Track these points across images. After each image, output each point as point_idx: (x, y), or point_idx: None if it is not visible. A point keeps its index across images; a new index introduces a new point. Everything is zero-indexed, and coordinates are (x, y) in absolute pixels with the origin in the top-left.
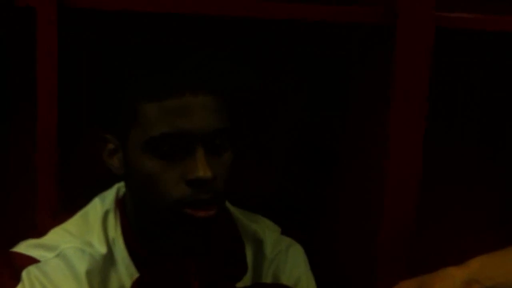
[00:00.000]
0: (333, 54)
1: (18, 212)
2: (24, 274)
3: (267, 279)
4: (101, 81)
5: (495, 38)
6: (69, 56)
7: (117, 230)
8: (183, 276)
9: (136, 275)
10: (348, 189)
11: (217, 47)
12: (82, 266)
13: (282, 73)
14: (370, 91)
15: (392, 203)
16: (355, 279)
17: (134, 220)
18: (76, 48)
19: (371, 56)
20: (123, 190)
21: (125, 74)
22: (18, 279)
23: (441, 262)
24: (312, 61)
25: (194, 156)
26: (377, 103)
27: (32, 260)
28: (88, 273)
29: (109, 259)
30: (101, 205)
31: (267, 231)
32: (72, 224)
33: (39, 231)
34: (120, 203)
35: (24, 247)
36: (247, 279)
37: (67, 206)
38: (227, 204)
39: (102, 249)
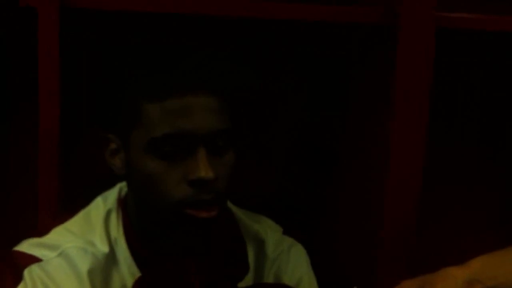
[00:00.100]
0: (333, 54)
1: (19, 212)
2: (26, 273)
3: (269, 279)
4: (102, 81)
5: (495, 38)
6: (70, 56)
7: (119, 230)
8: (183, 276)
9: (137, 274)
10: (348, 189)
11: (217, 47)
12: (84, 266)
13: (282, 73)
14: (370, 91)
15: (392, 203)
16: (355, 279)
17: (135, 220)
18: (77, 48)
19: (372, 56)
20: (125, 190)
21: (126, 75)
22: (20, 278)
23: (441, 262)
24: (312, 61)
25: (196, 157)
26: (377, 103)
27: (34, 259)
28: (90, 272)
29: (111, 258)
30: (103, 204)
31: (269, 231)
32: (74, 223)
33: (40, 231)
34: (122, 203)
35: (26, 246)
36: (248, 279)
37: (67, 206)
38: (229, 204)
39: (104, 249)
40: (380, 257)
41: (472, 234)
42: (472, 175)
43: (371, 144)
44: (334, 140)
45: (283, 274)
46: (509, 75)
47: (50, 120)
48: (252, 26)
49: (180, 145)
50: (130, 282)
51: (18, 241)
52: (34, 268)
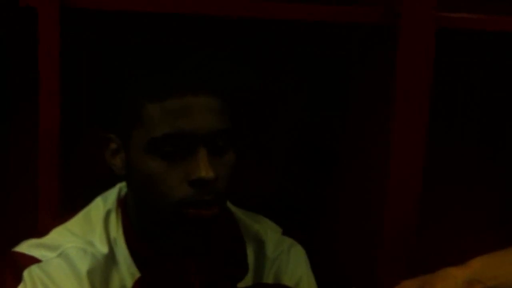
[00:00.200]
0: (333, 54)
1: (19, 212)
2: (26, 273)
3: (269, 279)
4: (102, 81)
5: (495, 38)
6: (70, 56)
7: (118, 230)
8: (183, 276)
9: (137, 274)
10: (348, 189)
11: (217, 47)
12: (83, 266)
13: (282, 73)
14: (370, 91)
15: (392, 203)
16: (355, 279)
17: (135, 220)
18: (77, 48)
19: (372, 56)
20: (125, 190)
21: (126, 75)
22: (20, 278)
23: (441, 262)
24: (312, 61)
25: (196, 157)
26: (377, 103)
27: (34, 260)
28: (90, 272)
29: (110, 258)
30: (103, 205)
31: (269, 231)
32: (74, 223)
33: (40, 231)
34: (122, 203)
35: (26, 247)
36: (248, 279)
37: (67, 206)
38: (229, 204)
39: (104, 249)
40: (380, 257)
41: (472, 234)
42: (472, 175)
43: (371, 144)
44: (334, 140)
45: (282, 274)
46: (509, 75)
47: (50, 120)
48: (253, 26)
49: (180, 145)
50: (129, 282)
51: (18, 241)
52: (33, 269)
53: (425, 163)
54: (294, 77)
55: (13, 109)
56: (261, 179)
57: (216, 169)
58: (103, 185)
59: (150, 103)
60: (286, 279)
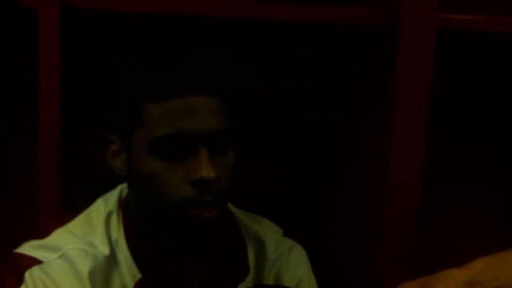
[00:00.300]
0: (333, 54)
1: (19, 212)
2: (27, 275)
3: (269, 280)
4: (103, 81)
5: (495, 39)
6: (70, 56)
7: (119, 231)
8: (183, 276)
9: (138, 275)
10: (348, 189)
11: (217, 47)
12: (85, 267)
13: (282, 73)
14: (370, 91)
15: (392, 203)
16: (355, 279)
17: (136, 221)
18: (78, 48)
19: (372, 56)
20: (125, 191)
21: (126, 75)
22: (21, 280)
23: (441, 262)
24: (312, 61)
25: (197, 157)
26: (377, 103)
27: (35, 261)
28: (91, 274)
29: (111, 260)
30: (104, 206)
31: (269, 232)
32: (75, 225)
33: (41, 232)
34: (123, 204)
35: (27, 248)
36: (249, 280)
37: (67, 206)
38: (229, 205)
39: (105, 250)
40: (380, 257)
41: (472, 234)
42: (472, 175)
43: (371, 144)
44: (334, 140)
45: (283, 275)
46: (509, 75)
47: (50, 120)
48: (254, 27)
49: (180, 145)
50: (130, 283)
51: (18, 241)
52: (35, 270)
53: (425, 163)
54: (294, 77)
55: (13, 109)
56: (261, 179)
57: (217, 169)
58: (103, 185)
59: (150, 103)
60: (286, 280)
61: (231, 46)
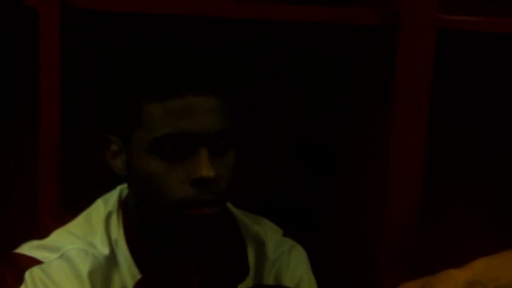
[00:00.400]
0: (334, 54)
1: (19, 212)
2: (27, 275)
3: (269, 280)
4: (103, 81)
5: (495, 39)
6: (70, 56)
7: (119, 231)
8: (183, 276)
9: (138, 275)
10: (348, 189)
11: (217, 47)
12: (84, 267)
13: (282, 73)
14: (370, 91)
15: (392, 203)
16: (355, 279)
17: (136, 221)
18: (78, 48)
19: (372, 56)
20: (125, 191)
21: (126, 75)
22: (21, 280)
23: (441, 262)
24: (312, 61)
25: (197, 157)
26: (377, 103)
27: (35, 261)
28: (91, 274)
29: (111, 260)
30: (104, 206)
31: (269, 232)
32: (75, 225)
33: (41, 232)
34: (123, 205)
35: (27, 248)
36: (249, 281)
37: (67, 206)
38: (229, 205)
39: (105, 250)
40: (380, 257)
41: (472, 234)
42: (472, 175)
43: (371, 144)
44: (334, 140)
45: (283, 275)
46: (509, 75)
47: (50, 120)
48: (254, 27)
49: (180, 145)
50: (130, 283)
51: (18, 241)
52: (35, 270)
53: (425, 163)
54: (294, 77)
55: (13, 109)
56: (261, 179)
57: (217, 169)
58: (103, 185)
59: (151, 103)
60: (286, 280)
61: (231, 46)
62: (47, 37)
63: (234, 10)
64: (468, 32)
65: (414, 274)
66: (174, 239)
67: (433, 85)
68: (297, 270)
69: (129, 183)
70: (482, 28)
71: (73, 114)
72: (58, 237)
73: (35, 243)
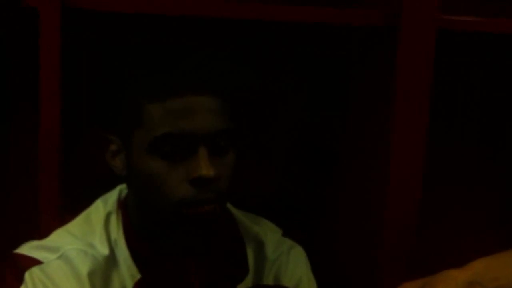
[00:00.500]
0: (334, 54)
1: (19, 212)
2: (27, 275)
3: (268, 280)
4: (103, 81)
5: (495, 39)
6: (70, 56)
7: (119, 232)
8: (183, 276)
9: (137, 275)
10: (348, 189)
11: (217, 47)
12: (84, 268)
13: (282, 73)
14: (370, 91)
15: (392, 203)
16: (355, 279)
17: (136, 221)
18: (78, 48)
19: (372, 56)
20: (125, 192)
21: (126, 75)
22: (21, 280)
23: (441, 262)
24: (312, 61)
25: (197, 156)
26: (377, 103)
27: (35, 262)
28: (90, 274)
29: (111, 260)
30: (104, 207)
31: (269, 232)
32: (75, 225)
33: (41, 232)
34: (122, 205)
35: (27, 249)
36: (248, 281)
37: (67, 206)
38: (229, 206)
39: (104, 251)
40: (380, 257)
41: (472, 234)
42: (472, 175)
43: (371, 144)
44: (334, 140)
45: (282, 275)
46: (509, 75)
47: (50, 120)
48: (254, 27)
49: (180, 145)
50: (130, 283)
51: (18, 241)
52: (34, 270)
53: (425, 163)
54: (294, 77)
55: (13, 109)
56: (261, 179)
57: (216, 168)
58: (103, 185)
59: (150, 103)
60: (286, 280)
61: (231, 46)
62: (47, 37)
63: (234, 10)
64: (468, 32)
65: (414, 274)
66: (174, 239)
67: (433, 85)
68: (296, 270)
69: (129, 183)
70: (482, 28)
71: (73, 114)
72: (57, 237)
73: (35, 243)
